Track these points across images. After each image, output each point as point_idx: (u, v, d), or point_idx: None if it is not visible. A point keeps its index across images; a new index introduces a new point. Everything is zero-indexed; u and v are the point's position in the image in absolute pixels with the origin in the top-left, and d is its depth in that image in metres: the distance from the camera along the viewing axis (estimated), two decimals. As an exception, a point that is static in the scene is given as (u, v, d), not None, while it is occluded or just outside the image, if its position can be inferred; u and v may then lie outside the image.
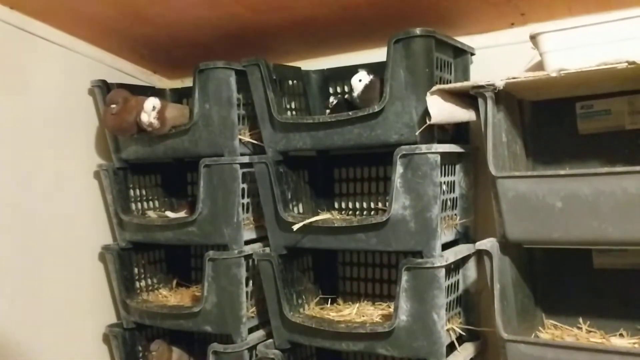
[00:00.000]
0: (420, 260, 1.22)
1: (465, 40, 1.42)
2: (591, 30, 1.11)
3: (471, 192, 1.42)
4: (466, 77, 1.41)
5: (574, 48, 1.13)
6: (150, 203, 1.79)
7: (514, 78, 1.06)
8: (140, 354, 1.73)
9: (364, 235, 1.28)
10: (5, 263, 1.50)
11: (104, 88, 1.63)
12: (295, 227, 1.31)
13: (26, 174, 1.57)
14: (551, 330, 1.30)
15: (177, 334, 1.79)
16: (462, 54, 1.39)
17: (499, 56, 1.43)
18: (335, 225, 1.30)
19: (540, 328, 1.30)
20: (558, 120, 1.32)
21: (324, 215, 1.36)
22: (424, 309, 1.22)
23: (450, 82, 1.36)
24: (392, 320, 1.25)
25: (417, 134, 1.19)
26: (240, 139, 1.50)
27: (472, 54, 1.43)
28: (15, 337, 1.51)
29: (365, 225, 1.27)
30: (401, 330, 1.25)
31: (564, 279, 1.32)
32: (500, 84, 1.07)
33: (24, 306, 1.54)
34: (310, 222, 1.31)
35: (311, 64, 1.63)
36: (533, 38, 1.19)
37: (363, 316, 1.47)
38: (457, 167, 1.38)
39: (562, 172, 1.03)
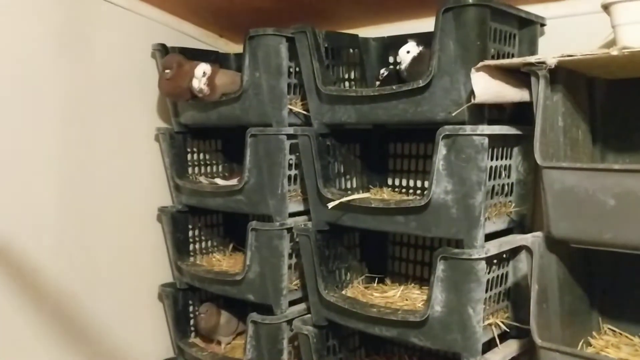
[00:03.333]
0: (456, 250, 1.13)
1: (537, 9, 1.28)
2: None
3: (530, 178, 1.29)
4: (533, 50, 1.27)
5: (652, 21, 0.97)
6: (210, 168, 1.80)
7: (569, 56, 0.93)
8: (192, 315, 1.77)
9: (402, 218, 1.21)
10: (66, 220, 1.58)
11: (163, 52, 1.64)
12: (330, 205, 1.26)
13: (90, 135, 1.62)
14: (607, 336, 1.18)
15: (230, 298, 1.81)
16: (528, 24, 1.25)
17: (576, 27, 1.28)
18: (372, 205, 1.24)
19: (594, 333, 1.17)
20: (637, 103, 1.16)
21: (362, 194, 1.30)
22: (459, 301, 1.14)
23: (513, 56, 1.24)
24: (424, 309, 1.18)
25: (453, 114, 1.08)
26: (290, 109, 1.46)
27: (543, 25, 1.28)
28: (73, 291, 1.60)
29: (403, 208, 1.20)
30: (435, 321, 1.17)
31: (629, 280, 1.18)
32: (552, 61, 0.94)
33: (82, 262, 1.62)
34: (348, 201, 1.26)
35: (372, 32, 1.55)
36: (606, 8, 1.04)
37: (406, 300, 1.41)
38: (515, 150, 1.26)
39: (616, 166, 0.90)
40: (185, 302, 1.75)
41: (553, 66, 0.94)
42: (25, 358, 1.50)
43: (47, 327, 1.55)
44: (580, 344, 1.12)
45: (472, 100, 1.05)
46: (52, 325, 1.56)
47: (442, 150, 1.13)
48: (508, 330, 1.25)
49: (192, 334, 1.78)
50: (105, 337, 1.67)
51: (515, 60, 1.01)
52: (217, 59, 1.77)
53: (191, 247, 1.76)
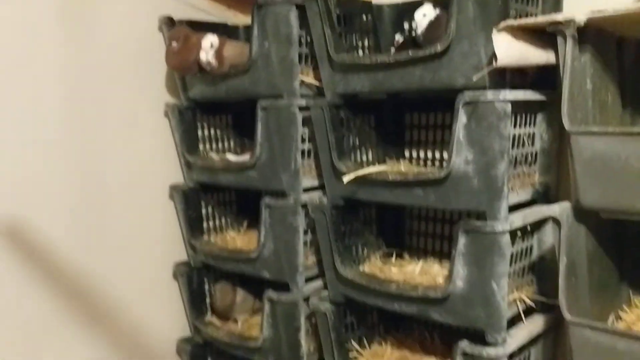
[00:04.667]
0: (479, 223, 1.08)
1: (562, -35, 1.20)
2: None
3: (554, 146, 1.23)
4: (557, 10, 1.20)
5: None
6: (221, 144, 1.76)
7: (599, 12, 0.86)
8: (207, 293, 1.75)
9: (421, 191, 1.16)
10: (77, 200, 1.54)
11: (169, 24, 1.59)
12: (345, 179, 1.21)
13: (98, 112, 1.57)
14: (638, 309, 1.12)
15: (246, 276, 1.78)
16: (553, -18, 1.18)
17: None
18: (390, 178, 1.18)
19: (624, 307, 1.12)
20: (669, 63, 1.10)
21: (378, 167, 1.25)
22: (482, 276, 1.09)
23: (536, 17, 1.16)
24: (446, 285, 1.13)
25: (474, 79, 1.02)
26: (302, 80, 1.41)
27: (567, -17, 1.21)
28: (87, 271, 1.57)
29: (422, 180, 1.15)
30: (457, 297, 1.13)
31: (661, 252, 1.13)
32: (581, 19, 0.88)
33: (96, 242, 1.58)
34: (364, 174, 1.21)
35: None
36: (638, -40, 0.97)
37: (425, 275, 1.36)
38: (539, 116, 1.20)
39: (651, 129, 0.84)
40: (200, 280, 1.72)
41: (582, 24, 0.88)
42: (40, 338, 1.49)
43: (62, 308, 1.53)
44: (611, 318, 1.07)
45: (494, 64, 0.99)
46: (66, 306, 1.54)
47: (462, 118, 1.08)
48: (533, 305, 1.21)
49: (208, 313, 1.75)
50: (120, 316, 1.65)
51: (541, 19, 0.94)
52: (225, 32, 1.71)
53: (204, 225, 1.72)
